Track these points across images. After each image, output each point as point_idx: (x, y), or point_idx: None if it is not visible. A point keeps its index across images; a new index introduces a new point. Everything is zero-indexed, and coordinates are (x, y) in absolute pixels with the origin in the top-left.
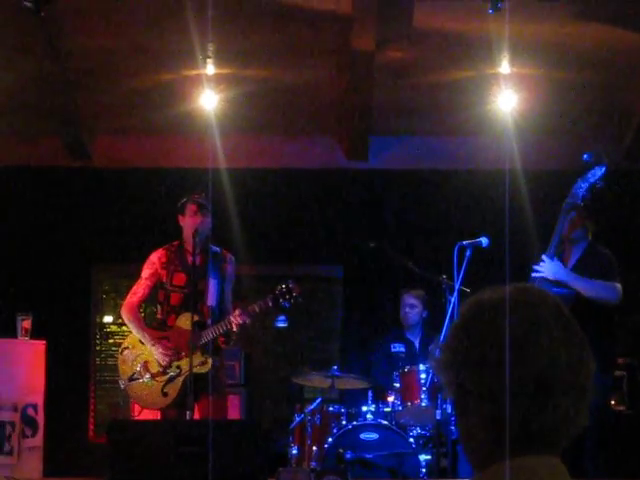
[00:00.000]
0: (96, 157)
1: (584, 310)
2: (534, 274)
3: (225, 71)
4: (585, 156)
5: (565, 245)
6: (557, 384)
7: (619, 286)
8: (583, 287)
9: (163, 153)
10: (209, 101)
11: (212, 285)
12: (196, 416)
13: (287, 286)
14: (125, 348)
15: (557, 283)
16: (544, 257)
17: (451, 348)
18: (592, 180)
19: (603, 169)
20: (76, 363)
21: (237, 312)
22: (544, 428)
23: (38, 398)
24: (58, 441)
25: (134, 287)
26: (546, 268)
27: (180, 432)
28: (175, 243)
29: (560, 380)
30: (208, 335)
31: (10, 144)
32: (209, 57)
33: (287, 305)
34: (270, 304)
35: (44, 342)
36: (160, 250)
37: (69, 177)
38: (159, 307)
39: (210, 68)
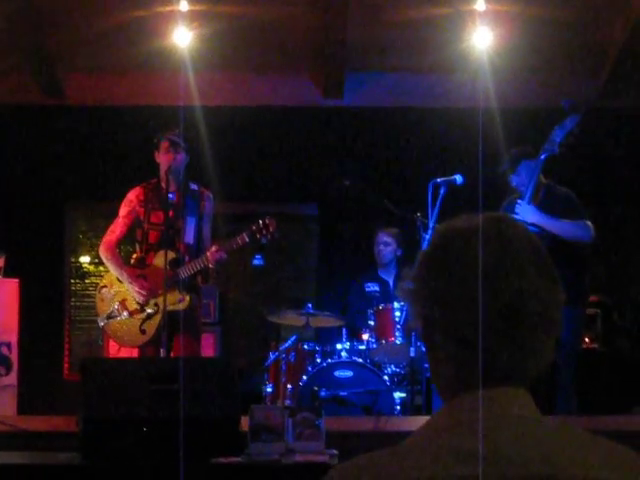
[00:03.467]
0: (69, 95)
1: (557, 247)
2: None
3: (199, 7)
4: (564, 102)
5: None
6: (525, 317)
7: (590, 223)
8: (559, 229)
9: (137, 90)
10: (183, 38)
11: (189, 222)
12: (174, 353)
13: (264, 222)
14: (103, 286)
15: (532, 226)
16: (520, 201)
17: (418, 278)
18: (569, 127)
19: (580, 116)
20: (51, 302)
21: (213, 248)
22: (511, 361)
23: (12, 336)
24: (32, 379)
25: (112, 226)
26: (522, 212)
27: (153, 369)
28: (153, 181)
29: (528, 313)
30: (185, 272)
31: None
32: None
33: (264, 241)
34: (247, 240)
35: (18, 281)
36: (137, 188)
37: (42, 115)
38: (137, 245)
39: (183, 4)
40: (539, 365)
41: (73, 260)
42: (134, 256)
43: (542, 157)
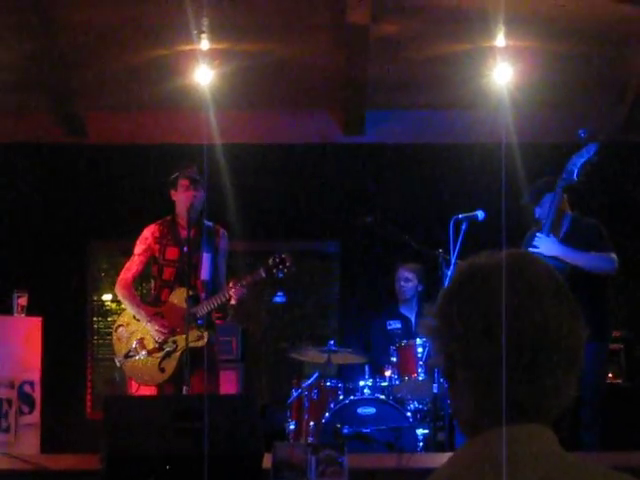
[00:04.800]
0: (91, 133)
1: (579, 281)
2: (530, 250)
3: (220, 46)
4: (580, 132)
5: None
6: (547, 354)
7: (614, 255)
8: (581, 260)
9: (158, 129)
10: (204, 76)
11: (205, 259)
12: (192, 391)
13: (280, 257)
14: (120, 325)
15: (553, 259)
16: (538, 234)
17: (440, 314)
18: (587, 156)
19: (598, 145)
20: (73, 340)
21: (231, 284)
22: (533, 399)
23: (35, 375)
24: (55, 418)
25: (127, 263)
26: (542, 244)
27: (177, 407)
28: (168, 218)
29: (550, 350)
30: (204, 309)
31: (5, 121)
32: (203, 32)
33: (281, 275)
34: (263, 274)
35: (41, 319)
36: (153, 225)
37: (65, 154)
38: (152, 282)
39: (205, 43)
40: (561, 402)
41: (95, 298)
42: (151, 292)
43: (559, 186)
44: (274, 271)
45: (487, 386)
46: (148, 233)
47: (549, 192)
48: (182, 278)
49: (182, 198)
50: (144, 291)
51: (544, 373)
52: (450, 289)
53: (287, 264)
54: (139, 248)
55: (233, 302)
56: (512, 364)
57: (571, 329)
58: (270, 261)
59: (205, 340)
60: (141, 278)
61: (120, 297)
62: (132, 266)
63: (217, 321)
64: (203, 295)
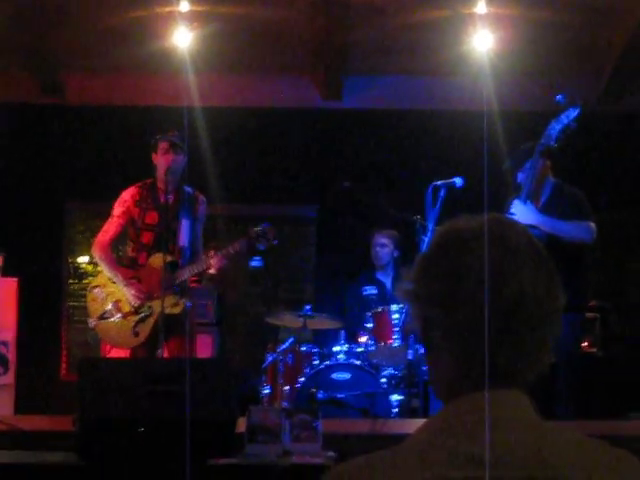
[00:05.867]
0: (69, 94)
1: (556, 249)
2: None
3: (199, 8)
4: (558, 97)
5: (535, 187)
6: (524, 320)
7: (593, 225)
8: (557, 229)
9: (137, 91)
10: (183, 38)
11: (184, 225)
12: (166, 356)
13: (262, 229)
14: (96, 286)
15: (530, 227)
16: (516, 201)
17: (418, 279)
18: (565, 121)
19: (577, 110)
20: (48, 302)
21: (211, 253)
22: (509, 363)
23: (9, 335)
24: (30, 379)
25: (105, 225)
26: (519, 212)
27: (151, 370)
28: (148, 181)
29: (527, 315)
30: (182, 275)
31: None
32: None
33: (262, 248)
34: (245, 246)
35: (16, 280)
36: (132, 188)
37: (42, 114)
38: (130, 245)
39: (184, 5)
40: (537, 367)
41: (71, 260)
42: (127, 254)
43: (537, 151)
44: (255, 244)
45: (465, 351)
46: (128, 196)
47: (531, 157)
48: (160, 243)
49: (161, 161)
50: (120, 253)
51: (520, 338)
52: (429, 253)
53: (269, 237)
54: (118, 210)
55: (213, 271)
56: (489, 329)
57: (549, 295)
58: (252, 232)
59: (181, 307)
60: (117, 240)
61: (97, 259)
62: (110, 228)
63: (192, 284)
64: (181, 261)
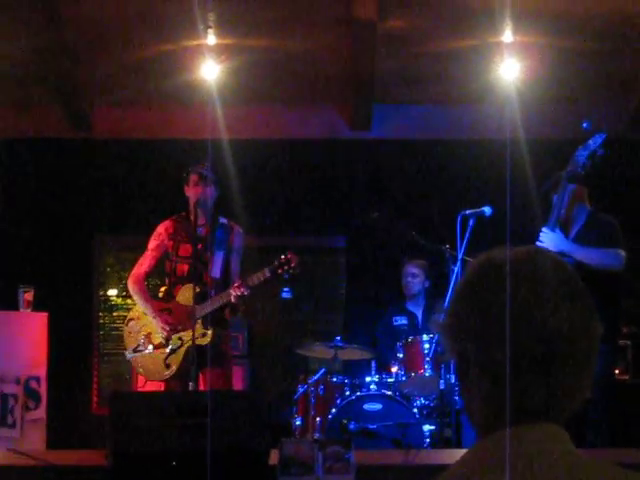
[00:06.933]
0: (97, 128)
1: (587, 278)
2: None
3: (226, 41)
4: (585, 124)
5: (567, 214)
6: (561, 355)
7: (622, 252)
8: (586, 256)
9: (164, 124)
10: (210, 71)
11: (217, 256)
12: (202, 388)
13: (285, 257)
14: (130, 319)
15: (560, 254)
16: (544, 229)
17: (452, 313)
18: (592, 147)
19: (603, 136)
20: (79, 336)
21: (236, 284)
22: (546, 400)
23: (41, 371)
24: (61, 413)
25: (140, 259)
26: (547, 239)
27: (181, 403)
28: (182, 214)
29: (565, 351)
30: (206, 307)
31: (10, 115)
32: (210, 27)
33: (286, 277)
34: (268, 275)
35: (46, 314)
36: (167, 221)
37: (71, 149)
38: (166, 278)
39: (211, 38)
40: (575, 402)
41: (101, 293)
42: (162, 289)
43: (564, 178)
44: (279, 271)
45: (500, 387)
46: (162, 229)
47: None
48: (194, 275)
49: (192, 193)
50: (151, 286)
51: (558, 374)
52: (463, 286)
53: (292, 265)
54: (152, 243)
55: (233, 301)
56: (526, 365)
57: (586, 330)
58: (276, 261)
59: (209, 338)
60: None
61: (131, 291)
62: (145, 261)
63: (227, 316)
64: (212, 292)
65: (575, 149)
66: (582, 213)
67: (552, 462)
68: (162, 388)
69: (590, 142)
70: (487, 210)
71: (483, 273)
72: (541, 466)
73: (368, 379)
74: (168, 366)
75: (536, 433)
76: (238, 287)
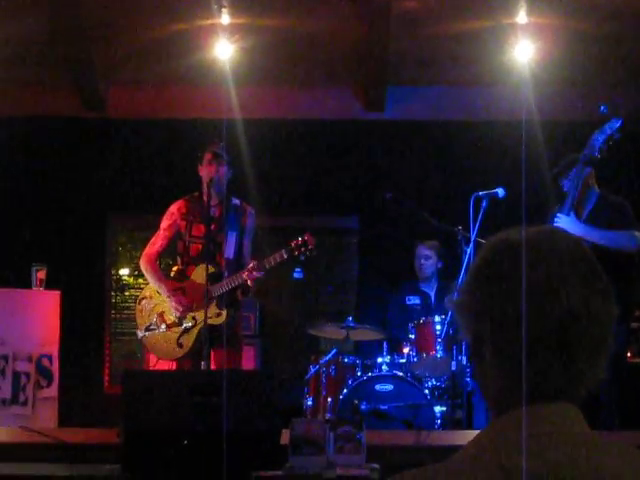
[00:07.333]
0: (111, 108)
1: (602, 260)
2: None
3: (240, 20)
4: (602, 108)
5: (579, 197)
6: (578, 335)
7: (638, 234)
8: (601, 239)
9: (178, 103)
10: (224, 51)
11: (230, 237)
12: (212, 367)
13: (302, 239)
14: (143, 298)
15: None
16: (559, 214)
17: (468, 291)
18: (609, 132)
19: (620, 122)
20: (91, 314)
21: (251, 266)
22: (562, 378)
23: (53, 349)
24: (73, 392)
25: (153, 238)
26: (562, 223)
27: (194, 382)
28: (195, 194)
29: (580, 332)
30: (222, 287)
31: (25, 95)
32: (224, 6)
33: (302, 258)
34: (285, 256)
35: (59, 293)
36: (180, 201)
37: (85, 128)
38: (178, 258)
39: (225, 17)
40: (590, 382)
41: (113, 272)
42: (174, 269)
43: (580, 162)
44: (296, 253)
45: (515, 366)
46: (174, 209)
47: (575, 167)
48: (207, 255)
49: (205, 173)
50: (162, 266)
51: (574, 354)
52: (479, 265)
53: (309, 246)
54: (165, 223)
55: (249, 283)
56: (542, 345)
57: (602, 311)
58: (292, 243)
59: (224, 317)
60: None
61: (143, 271)
62: (157, 240)
63: (240, 296)
64: (225, 273)
65: (589, 132)
66: (592, 196)
67: (568, 441)
68: (174, 367)
69: (606, 127)
70: (500, 192)
71: (500, 252)
72: (557, 445)
73: (380, 360)
74: (181, 345)
75: (552, 412)
76: (254, 269)
